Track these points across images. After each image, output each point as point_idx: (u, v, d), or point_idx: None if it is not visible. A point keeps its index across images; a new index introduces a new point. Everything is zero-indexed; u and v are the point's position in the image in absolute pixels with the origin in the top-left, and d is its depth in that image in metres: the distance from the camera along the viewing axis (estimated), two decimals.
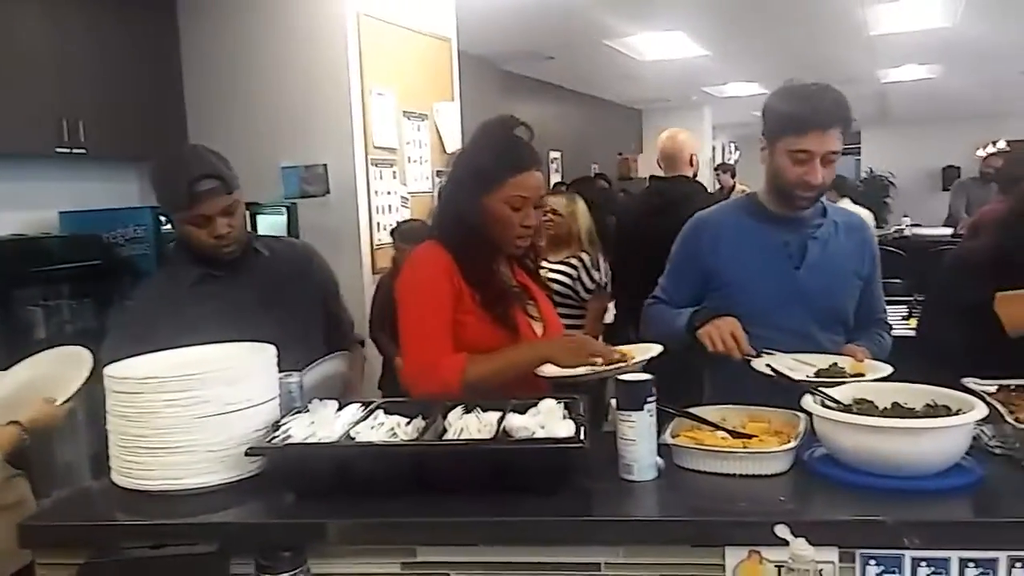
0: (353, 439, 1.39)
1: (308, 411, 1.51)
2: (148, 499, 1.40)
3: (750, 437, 1.50)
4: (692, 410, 1.61)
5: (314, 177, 3.99)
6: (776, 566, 1.22)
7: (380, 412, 1.51)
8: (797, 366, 1.78)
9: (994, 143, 10.41)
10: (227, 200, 1.93)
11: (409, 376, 1.78)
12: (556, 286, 3.42)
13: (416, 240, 2.07)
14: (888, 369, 1.77)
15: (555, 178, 9.15)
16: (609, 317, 3.80)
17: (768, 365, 1.76)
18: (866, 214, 4.98)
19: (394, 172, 4.12)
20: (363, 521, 1.30)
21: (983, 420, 1.42)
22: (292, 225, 3.92)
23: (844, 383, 1.64)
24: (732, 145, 16.47)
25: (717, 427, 1.54)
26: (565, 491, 1.35)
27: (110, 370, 1.49)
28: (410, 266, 1.87)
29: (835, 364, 1.80)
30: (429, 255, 1.83)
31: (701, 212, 2.16)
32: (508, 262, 1.93)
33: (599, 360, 1.68)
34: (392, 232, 3.73)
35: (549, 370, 1.73)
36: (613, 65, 7.95)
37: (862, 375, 1.74)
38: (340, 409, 1.52)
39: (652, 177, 4.12)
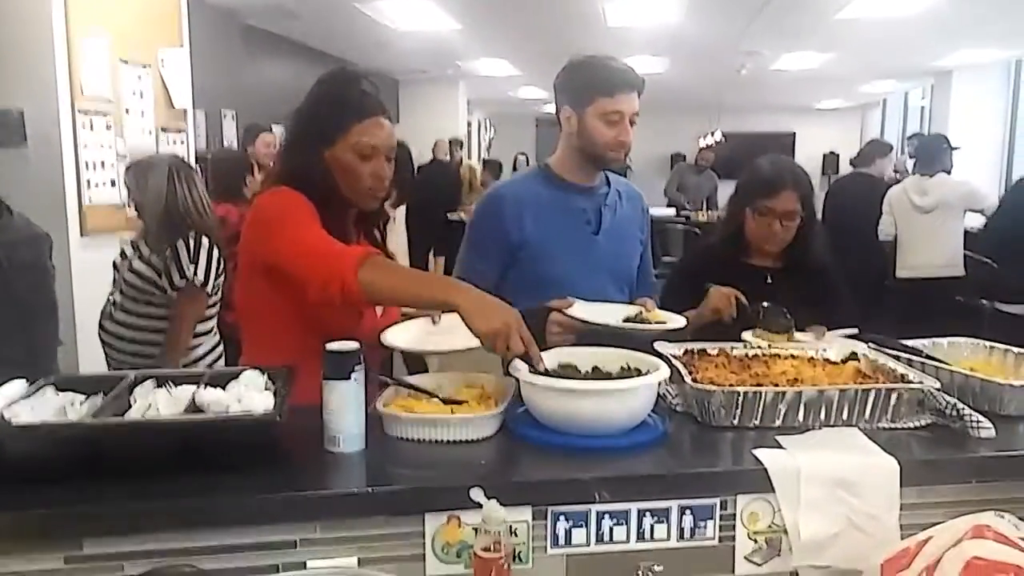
0: (8, 420, 1.21)
1: None
2: None
3: (461, 403, 1.51)
4: (407, 378, 1.60)
5: (8, 124, 3.46)
6: (473, 528, 1.24)
7: (49, 389, 1.33)
8: (606, 314, 1.84)
9: (712, 134, 11.59)
10: None
11: (313, 280, 1.51)
12: (138, 280, 2.75)
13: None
14: (683, 321, 1.90)
15: None
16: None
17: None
18: None
19: (108, 124, 3.69)
20: (13, 514, 1.13)
21: (668, 381, 1.54)
22: None
23: (650, 329, 1.81)
24: (488, 121, 16.86)
25: (430, 394, 1.54)
26: (262, 468, 1.27)
27: None
28: (271, 197, 1.68)
29: (639, 313, 1.88)
30: (289, 191, 1.66)
31: (497, 186, 2.21)
32: (356, 231, 1.79)
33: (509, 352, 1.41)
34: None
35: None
36: (366, 31, 7.73)
37: (663, 323, 1.85)
38: None
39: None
